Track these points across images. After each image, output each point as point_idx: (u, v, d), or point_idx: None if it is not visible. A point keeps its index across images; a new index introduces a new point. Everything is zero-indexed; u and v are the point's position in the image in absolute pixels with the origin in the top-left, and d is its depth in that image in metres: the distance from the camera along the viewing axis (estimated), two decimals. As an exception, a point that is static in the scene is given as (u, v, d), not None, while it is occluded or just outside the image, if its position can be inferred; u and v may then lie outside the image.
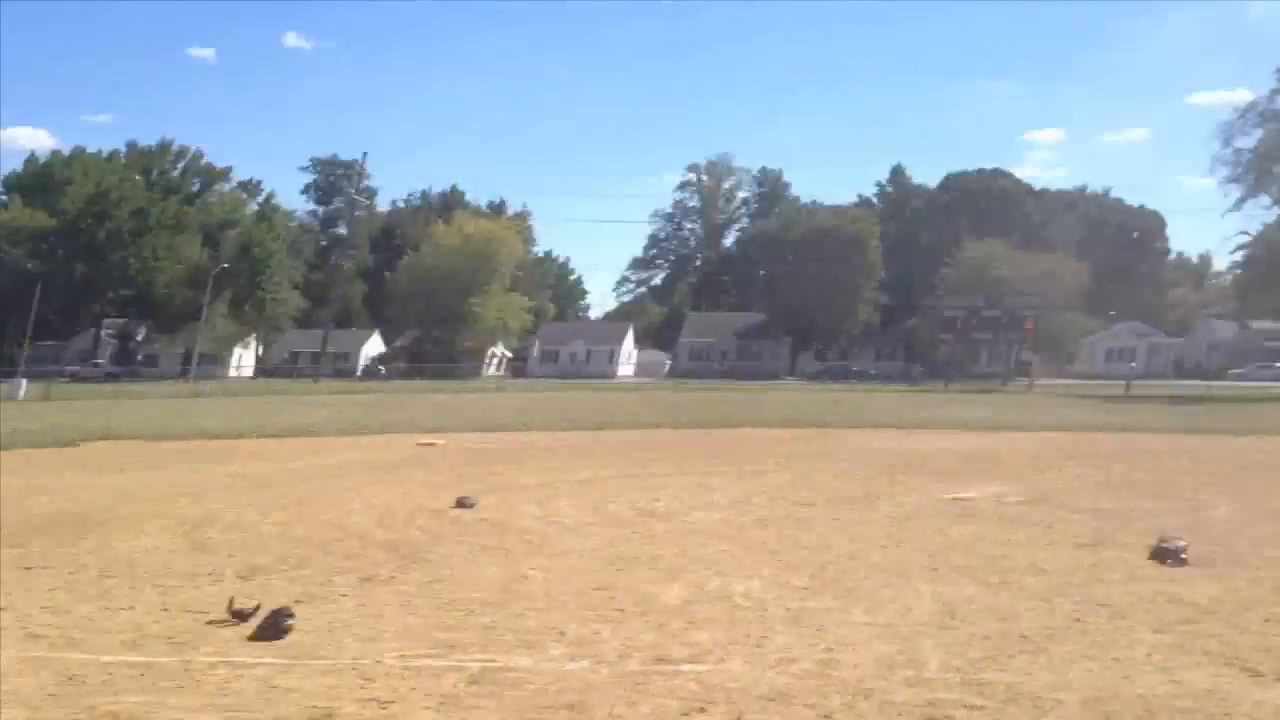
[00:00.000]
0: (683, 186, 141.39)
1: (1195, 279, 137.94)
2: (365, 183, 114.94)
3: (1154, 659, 6.27)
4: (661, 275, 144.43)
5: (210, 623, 7.25)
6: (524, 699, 5.61)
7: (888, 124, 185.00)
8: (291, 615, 7.10)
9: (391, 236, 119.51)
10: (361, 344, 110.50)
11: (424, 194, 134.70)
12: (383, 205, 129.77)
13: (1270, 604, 7.61)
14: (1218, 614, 7.33)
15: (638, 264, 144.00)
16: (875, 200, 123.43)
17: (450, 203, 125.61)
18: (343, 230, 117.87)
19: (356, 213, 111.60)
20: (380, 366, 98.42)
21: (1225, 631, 6.87)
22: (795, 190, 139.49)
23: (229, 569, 9.14)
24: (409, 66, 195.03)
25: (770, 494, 13.84)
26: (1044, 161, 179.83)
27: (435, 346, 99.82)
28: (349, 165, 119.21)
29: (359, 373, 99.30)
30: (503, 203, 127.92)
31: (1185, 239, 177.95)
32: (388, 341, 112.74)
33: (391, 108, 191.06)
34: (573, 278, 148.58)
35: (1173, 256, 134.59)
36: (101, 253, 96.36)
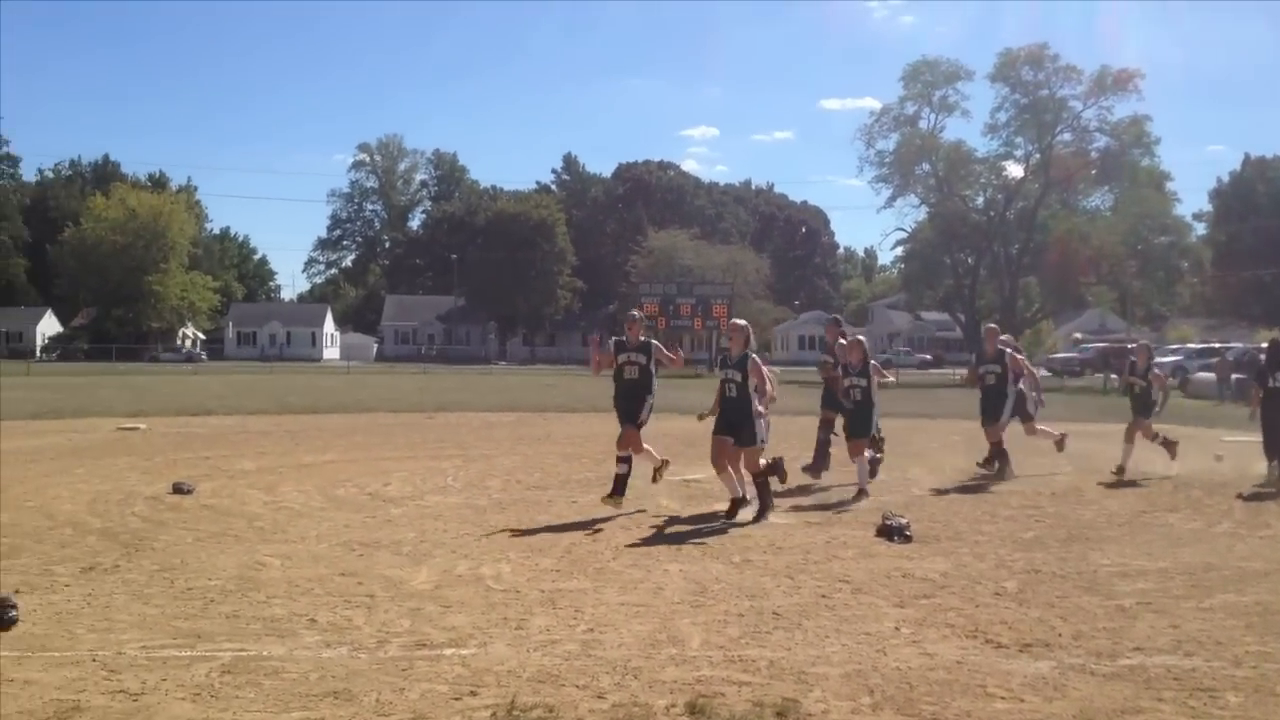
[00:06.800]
0: (357, 166, 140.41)
1: (865, 271, 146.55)
2: (5, 149, 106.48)
3: (902, 632, 6.65)
4: (351, 257, 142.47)
5: (-79, 617, 6.63)
6: (284, 687, 5.40)
7: (555, 114, 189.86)
8: (14, 606, 6.58)
9: (45, 208, 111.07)
10: (35, 322, 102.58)
11: (74, 163, 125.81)
12: (28, 174, 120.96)
13: (996, 578, 8.25)
14: (950, 588, 7.88)
15: (324, 245, 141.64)
16: (554, 187, 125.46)
17: (105, 174, 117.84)
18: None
19: (2, 181, 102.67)
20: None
21: (961, 605, 7.37)
22: (473, 175, 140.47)
23: (-71, 561, 8.37)
24: (31, 23, 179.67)
25: (502, 477, 13.86)
26: (703, 157, 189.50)
27: (119, 327, 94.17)
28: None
29: (39, 353, 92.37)
30: (163, 176, 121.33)
31: (846, 233, 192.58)
32: (63, 320, 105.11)
33: (15, 68, 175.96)
34: (257, 257, 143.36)
35: (841, 250, 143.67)
36: None
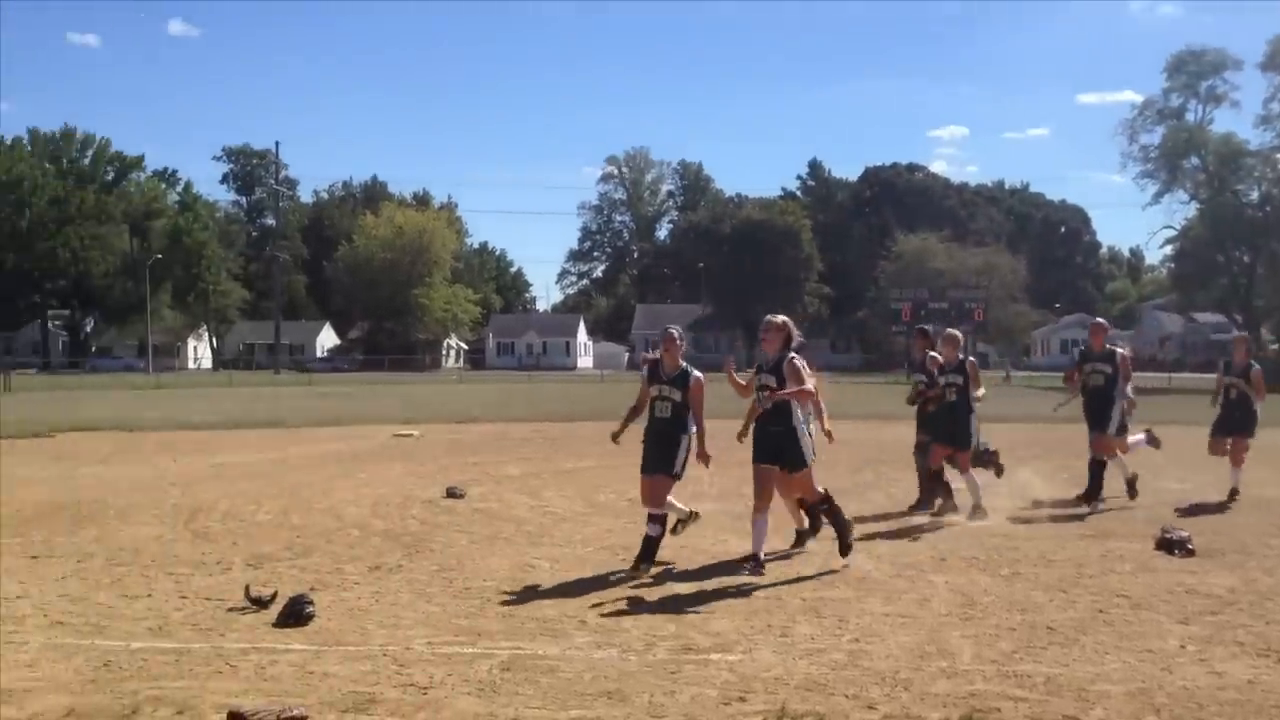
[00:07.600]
0: (605, 179, 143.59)
1: (1131, 272, 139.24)
2: (284, 173, 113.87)
3: (1188, 650, 6.36)
4: (601, 268, 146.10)
5: (231, 610, 7.25)
6: (561, 685, 5.62)
7: (798, 119, 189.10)
8: (311, 602, 7.11)
9: (320, 227, 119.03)
10: (315, 335, 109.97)
11: (346, 184, 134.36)
12: (304, 195, 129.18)
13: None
14: (1239, 605, 7.49)
15: (576, 256, 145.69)
16: (798, 193, 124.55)
17: (373, 193, 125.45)
18: (270, 221, 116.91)
19: (282, 203, 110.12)
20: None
21: (1251, 623, 7.00)
22: (718, 183, 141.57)
23: (235, 557, 9.12)
24: (304, 56, 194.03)
25: (758, 484, 13.91)
26: (952, 158, 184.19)
27: (390, 339, 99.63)
28: (263, 155, 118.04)
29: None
30: (427, 194, 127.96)
31: (1109, 232, 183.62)
32: (340, 333, 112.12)
33: (293, 96, 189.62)
34: (514, 270, 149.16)
35: (1104, 250, 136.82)
36: (26, 242, 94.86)
